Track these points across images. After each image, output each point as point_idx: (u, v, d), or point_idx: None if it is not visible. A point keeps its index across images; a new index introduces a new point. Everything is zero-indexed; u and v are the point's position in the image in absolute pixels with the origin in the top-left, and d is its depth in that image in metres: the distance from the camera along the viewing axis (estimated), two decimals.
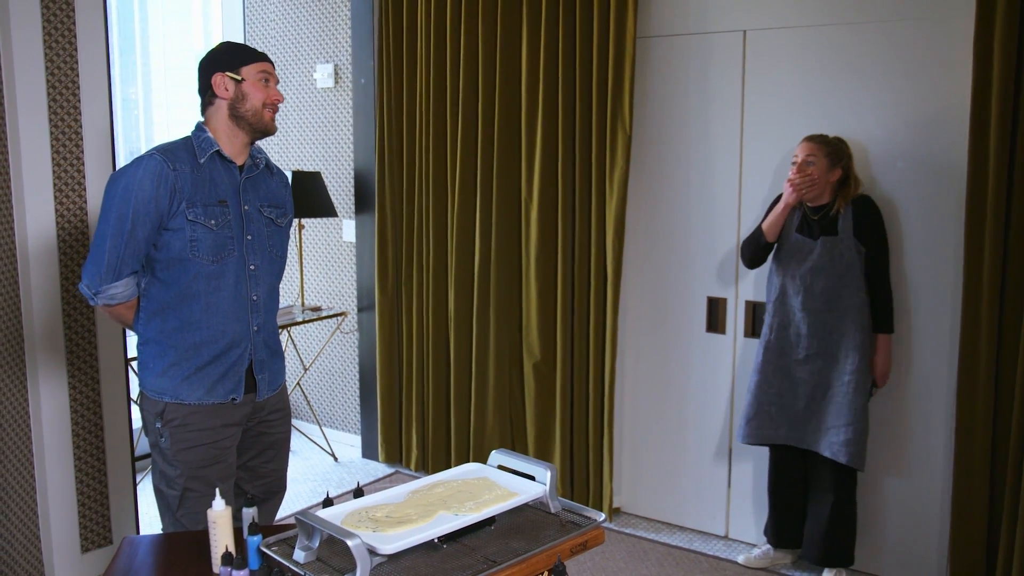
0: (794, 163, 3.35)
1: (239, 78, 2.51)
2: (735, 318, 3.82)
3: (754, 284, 3.77)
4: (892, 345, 3.40)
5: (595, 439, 4.08)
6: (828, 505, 3.42)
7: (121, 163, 3.41)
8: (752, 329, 3.78)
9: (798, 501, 3.56)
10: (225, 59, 2.53)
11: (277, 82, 2.58)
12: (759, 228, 3.47)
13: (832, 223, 3.32)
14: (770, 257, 3.51)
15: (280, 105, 2.61)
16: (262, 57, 2.55)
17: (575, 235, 4.02)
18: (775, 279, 3.46)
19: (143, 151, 2.54)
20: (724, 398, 3.89)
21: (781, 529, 3.61)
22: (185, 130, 2.65)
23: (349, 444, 5.22)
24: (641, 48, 3.91)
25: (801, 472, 3.53)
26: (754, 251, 3.49)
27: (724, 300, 3.85)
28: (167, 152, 2.47)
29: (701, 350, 3.93)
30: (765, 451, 3.71)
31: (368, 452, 5.04)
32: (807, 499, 3.54)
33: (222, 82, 2.52)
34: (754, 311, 3.78)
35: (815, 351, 3.35)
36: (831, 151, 3.31)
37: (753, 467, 3.86)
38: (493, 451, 2.12)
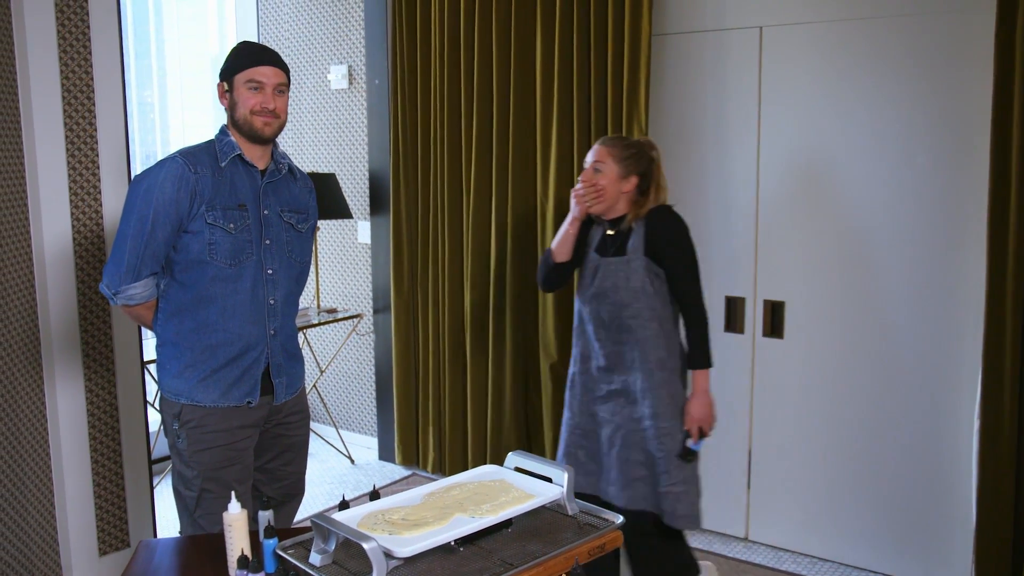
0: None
1: (229, 88, 2.55)
2: (754, 317, 3.80)
3: (773, 283, 3.75)
4: (706, 383, 2.89)
5: None
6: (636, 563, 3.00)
7: (137, 167, 3.43)
8: (771, 328, 3.76)
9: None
10: (225, 66, 2.58)
11: (279, 88, 2.55)
12: (549, 247, 3.10)
13: (624, 240, 2.90)
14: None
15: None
16: (255, 62, 2.53)
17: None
18: (576, 303, 3.07)
19: (159, 155, 2.56)
20: (743, 399, 3.87)
21: None
22: (201, 134, 2.66)
23: (365, 446, 5.23)
24: (656, 46, 3.89)
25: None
26: (545, 271, 3.08)
27: (742, 299, 3.82)
28: (189, 155, 2.50)
29: (719, 350, 3.86)
30: (788, 450, 3.68)
31: (385, 454, 5.05)
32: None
33: (221, 91, 2.58)
34: (773, 310, 3.75)
35: (616, 387, 2.93)
36: (625, 156, 2.89)
37: (773, 467, 3.83)
38: (510, 453, 2.11)
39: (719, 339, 3.88)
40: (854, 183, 3.52)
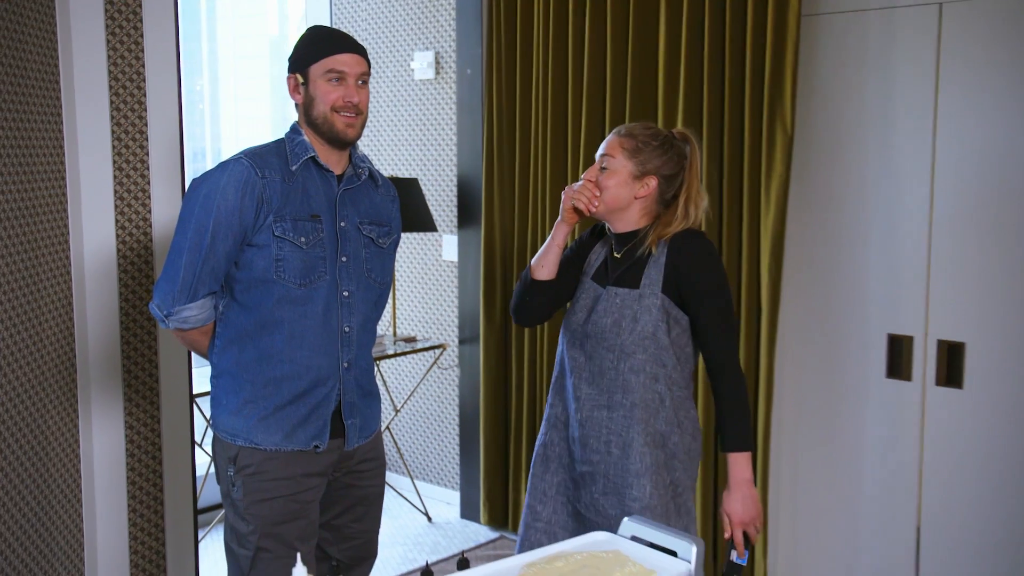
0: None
1: (304, 81, 2.57)
2: (924, 361, 3.71)
3: (950, 319, 3.65)
4: (748, 472, 2.60)
5: None
6: None
7: (185, 167, 3.50)
8: (947, 375, 3.65)
9: None
10: (295, 56, 2.61)
11: (361, 78, 2.58)
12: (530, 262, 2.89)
13: (637, 268, 2.66)
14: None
15: (371, 103, 2.64)
16: (334, 49, 2.55)
17: (722, 256, 3.94)
18: (560, 347, 2.83)
19: (208, 152, 2.61)
20: (910, 463, 3.76)
21: None
22: (257, 128, 2.70)
23: (445, 501, 5.23)
24: (806, 28, 3.84)
25: None
26: (519, 293, 2.84)
27: (910, 339, 3.73)
28: (256, 156, 2.53)
29: (880, 401, 3.82)
30: (968, 530, 3.55)
31: (468, 512, 5.04)
32: None
33: (294, 85, 2.61)
34: (950, 353, 3.64)
35: (597, 470, 2.66)
36: (642, 149, 2.63)
37: (949, 551, 3.71)
38: (625, 518, 2.07)
39: (878, 386, 3.80)
40: None
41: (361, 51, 2.60)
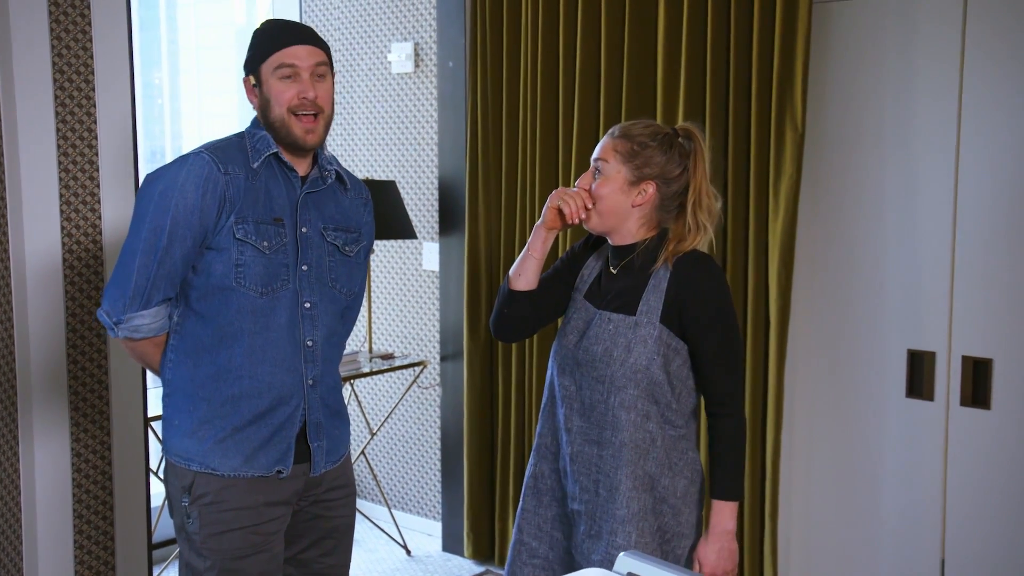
0: None
1: (256, 82, 2.57)
2: (948, 379, 3.71)
3: (976, 334, 3.64)
4: (732, 523, 2.59)
5: (753, 533, 3.99)
6: None
7: (142, 167, 3.47)
8: (973, 395, 3.65)
9: None
10: (248, 56, 2.62)
11: (318, 71, 2.55)
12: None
13: (636, 288, 2.59)
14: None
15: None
16: (282, 42, 2.54)
17: (727, 265, 3.95)
18: (550, 371, 2.76)
19: (167, 151, 2.59)
20: (933, 489, 3.76)
21: None
22: (221, 125, 2.69)
23: (426, 533, 5.22)
24: (818, 17, 3.85)
25: None
26: (498, 302, 2.77)
27: (931, 355, 3.74)
28: (218, 150, 2.53)
29: (899, 423, 3.83)
30: (997, 562, 3.52)
31: (450, 544, 5.03)
32: None
33: (249, 87, 2.62)
34: (976, 371, 3.64)
35: (584, 510, 2.63)
36: (640, 151, 2.55)
37: None
38: (621, 553, 2.01)
39: (897, 407, 3.82)
40: None
41: (314, 39, 2.58)
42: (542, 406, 2.76)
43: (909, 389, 3.79)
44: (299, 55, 2.52)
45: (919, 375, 3.77)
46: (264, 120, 2.57)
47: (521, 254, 2.71)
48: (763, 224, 3.85)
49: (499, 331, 2.81)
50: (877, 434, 3.89)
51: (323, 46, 2.59)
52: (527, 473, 2.78)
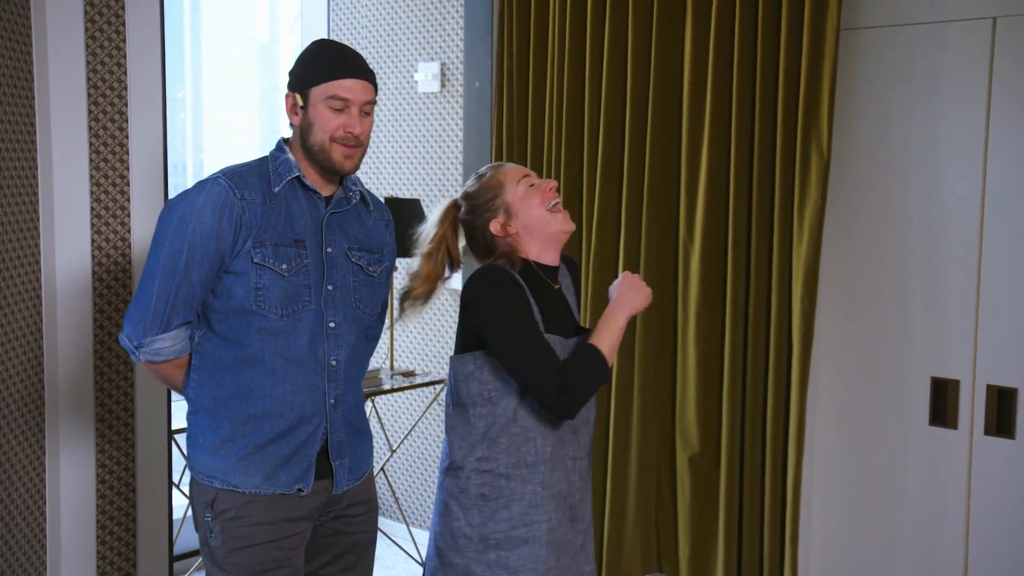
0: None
1: (303, 103, 2.57)
2: (972, 408, 3.68)
3: (1000, 362, 3.61)
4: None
5: (772, 559, 3.95)
6: None
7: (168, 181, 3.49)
8: (997, 424, 3.62)
9: None
10: (295, 73, 2.61)
11: (366, 107, 2.57)
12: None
13: (567, 303, 2.82)
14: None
15: (370, 130, 2.61)
16: (339, 73, 2.54)
17: (750, 290, 3.94)
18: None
19: (189, 165, 2.61)
20: (956, 519, 3.73)
21: None
22: (244, 140, 2.70)
23: None
24: (845, 43, 3.84)
25: None
26: (596, 385, 2.68)
27: (955, 383, 3.70)
28: (235, 176, 2.55)
29: (922, 451, 3.80)
30: None
31: None
32: None
33: (291, 105, 2.61)
34: (1000, 400, 3.61)
35: (585, 529, 2.75)
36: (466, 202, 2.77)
37: None
38: None
39: (920, 435, 3.79)
40: None
41: (369, 76, 2.60)
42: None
43: (932, 417, 3.76)
44: (354, 90, 2.54)
45: (942, 403, 3.74)
46: (302, 141, 2.57)
47: (617, 337, 2.60)
48: (787, 248, 3.83)
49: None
50: (899, 462, 3.85)
51: (375, 83, 2.61)
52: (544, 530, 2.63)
